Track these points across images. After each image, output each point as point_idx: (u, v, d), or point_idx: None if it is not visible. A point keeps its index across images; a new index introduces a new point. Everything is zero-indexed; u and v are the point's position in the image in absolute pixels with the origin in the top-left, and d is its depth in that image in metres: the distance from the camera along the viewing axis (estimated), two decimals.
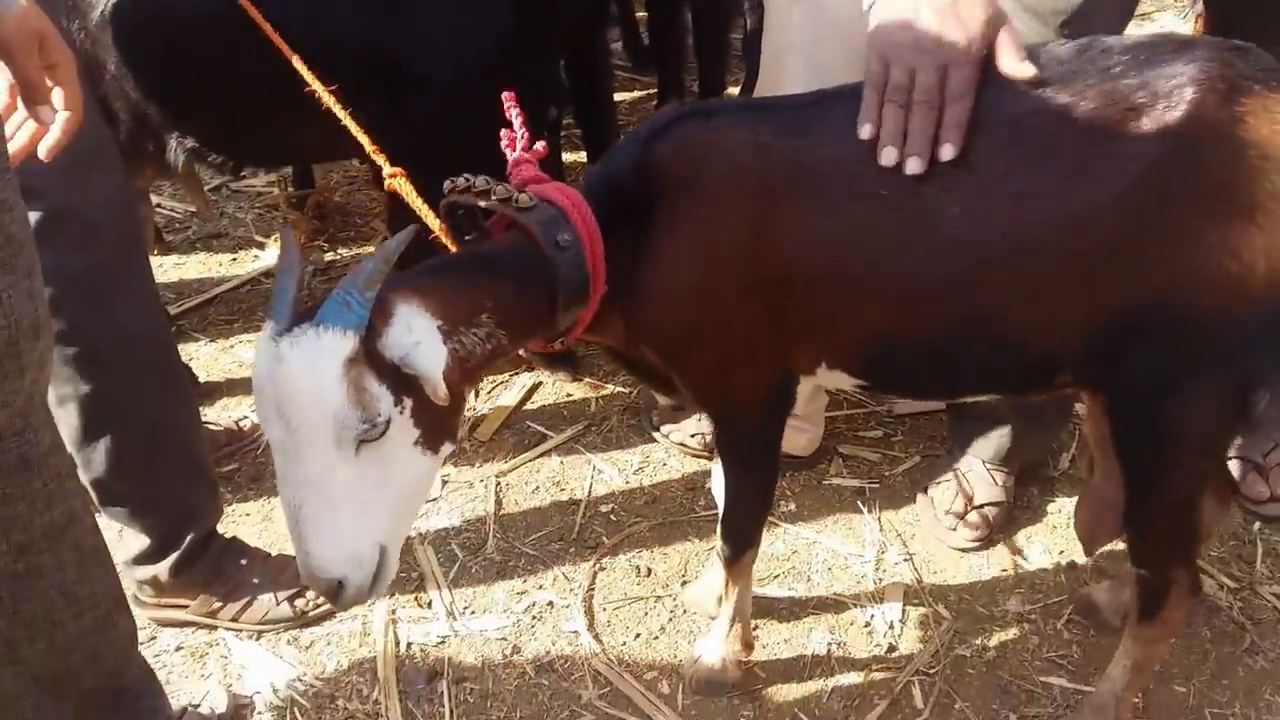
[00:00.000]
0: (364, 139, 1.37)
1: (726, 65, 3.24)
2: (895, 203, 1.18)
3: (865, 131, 1.19)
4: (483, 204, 1.19)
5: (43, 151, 1.10)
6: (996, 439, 1.95)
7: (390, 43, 1.80)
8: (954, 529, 1.90)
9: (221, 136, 2.00)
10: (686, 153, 1.23)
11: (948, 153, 1.16)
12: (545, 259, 1.16)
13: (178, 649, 1.69)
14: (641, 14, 3.72)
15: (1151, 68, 1.13)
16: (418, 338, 1.06)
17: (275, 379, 1.00)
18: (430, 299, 1.09)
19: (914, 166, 1.17)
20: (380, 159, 1.35)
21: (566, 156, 3.08)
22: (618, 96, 3.53)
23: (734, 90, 3.38)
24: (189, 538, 1.66)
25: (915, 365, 1.32)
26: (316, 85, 1.41)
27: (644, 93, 3.63)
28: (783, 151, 1.21)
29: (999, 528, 1.91)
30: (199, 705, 1.54)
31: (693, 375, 1.35)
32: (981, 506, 1.91)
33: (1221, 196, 1.12)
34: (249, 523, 1.95)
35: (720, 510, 1.53)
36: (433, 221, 1.28)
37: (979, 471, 1.94)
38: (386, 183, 1.33)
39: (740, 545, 1.51)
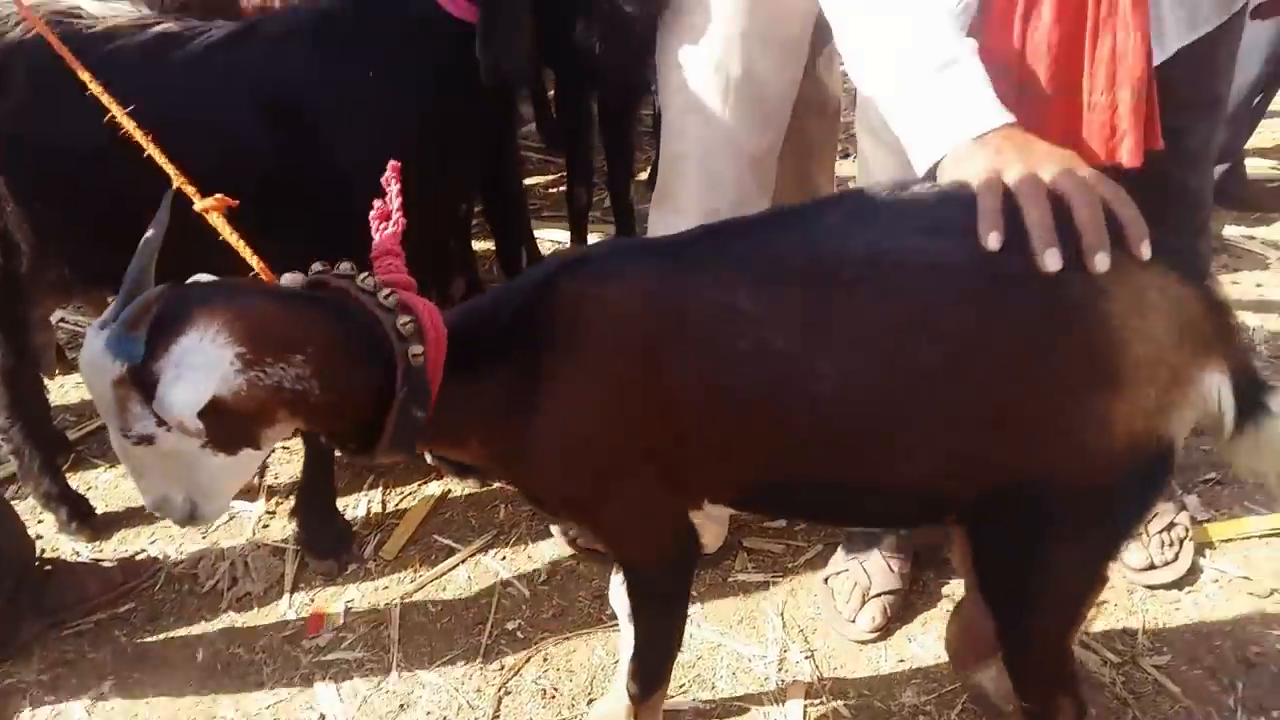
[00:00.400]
0: (172, 170, 1.41)
1: (634, 148, 3.30)
2: (774, 354, 1.16)
3: (993, 240, 1.10)
4: (373, 309, 1.16)
5: None
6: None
7: (299, 161, 1.82)
8: (853, 620, 1.95)
9: (121, 265, 1.99)
10: (572, 306, 1.21)
11: (1146, 250, 1.11)
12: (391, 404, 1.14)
13: None
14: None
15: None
16: (181, 373, 1.06)
17: (81, 363, 1.11)
18: (239, 322, 1.08)
19: (1103, 263, 1.09)
20: (190, 190, 1.40)
21: (476, 244, 3.11)
22: (532, 180, 3.58)
23: (644, 173, 3.45)
24: None
25: (799, 504, 1.36)
26: (119, 114, 1.47)
27: (557, 175, 3.68)
28: (668, 301, 1.19)
29: (896, 616, 1.96)
30: None
31: (591, 528, 1.36)
32: (879, 595, 1.96)
33: (1089, 365, 1.11)
34: (144, 669, 1.92)
35: (626, 637, 1.54)
36: (250, 256, 1.35)
37: (876, 560, 2.00)
38: (197, 206, 1.38)
39: (650, 686, 1.51)
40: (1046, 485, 1.17)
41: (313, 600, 2.05)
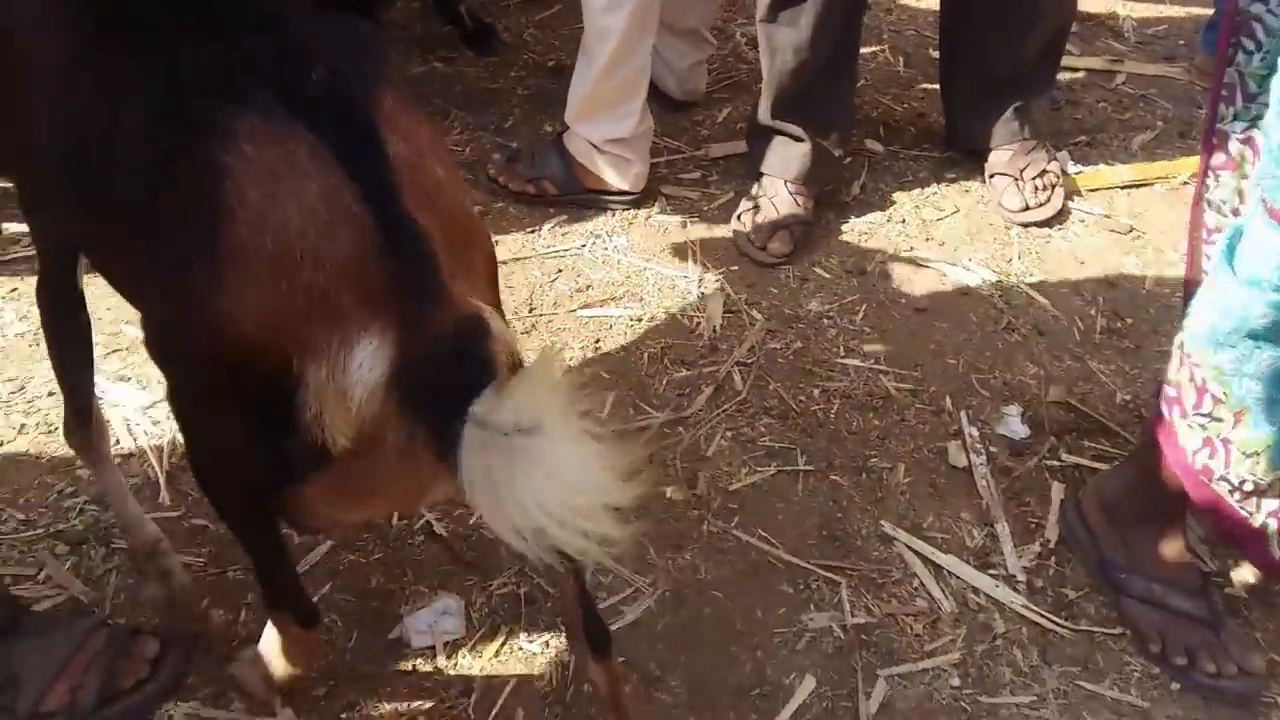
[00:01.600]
0: None
1: None
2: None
3: None
4: None
5: None
6: (797, 161, 2.15)
7: None
8: (763, 248, 2.11)
9: None
10: None
11: None
12: None
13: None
14: None
15: None
16: None
17: None
18: None
19: None
20: None
21: None
22: None
23: None
24: None
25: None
26: None
27: None
28: None
29: (801, 244, 2.14)
30: None
31: None
32: (786, 226, 2.12)
33: (189, 212, 0.95)
34: None
35: None
36: None
37: (783, 194, 2.15)
38: None
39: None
40: (148, 314, 1.07)
41: None
